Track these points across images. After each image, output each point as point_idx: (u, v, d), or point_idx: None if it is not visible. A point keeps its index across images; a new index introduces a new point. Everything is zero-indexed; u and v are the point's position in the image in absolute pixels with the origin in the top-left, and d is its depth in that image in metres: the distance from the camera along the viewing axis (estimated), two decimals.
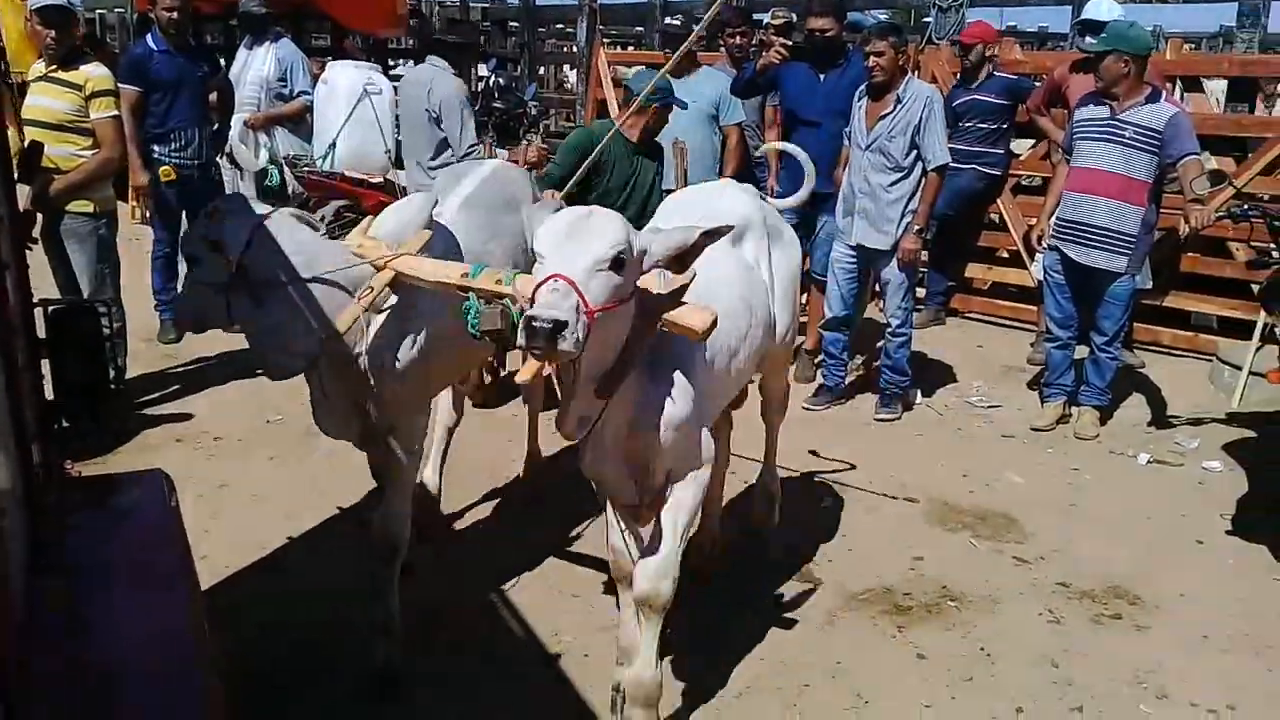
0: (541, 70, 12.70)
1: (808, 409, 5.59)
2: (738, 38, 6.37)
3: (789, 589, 3.86)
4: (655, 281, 2.53)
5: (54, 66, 4.89)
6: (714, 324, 2.52)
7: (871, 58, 5.13)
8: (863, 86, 5.28)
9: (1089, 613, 3.75)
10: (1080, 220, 5.06)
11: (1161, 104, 4.93)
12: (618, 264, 2.33)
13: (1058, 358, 5.40)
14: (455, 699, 3.19)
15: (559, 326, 2.20)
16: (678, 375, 2.68)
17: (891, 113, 5.13)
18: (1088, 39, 6.17)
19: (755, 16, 7.15)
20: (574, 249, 2.33)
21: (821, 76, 5.62)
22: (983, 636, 3.58)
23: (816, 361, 5.87)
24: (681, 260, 2.50)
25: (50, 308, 2.92)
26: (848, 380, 5.78)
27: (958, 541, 4.27)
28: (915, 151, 5.15)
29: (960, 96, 6.75)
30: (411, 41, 11.51)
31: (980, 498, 4.65)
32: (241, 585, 3.74)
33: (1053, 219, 5.28)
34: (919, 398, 5.76)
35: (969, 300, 7.39)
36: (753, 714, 3.17)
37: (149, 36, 6.05)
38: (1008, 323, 7.17)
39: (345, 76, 6.80)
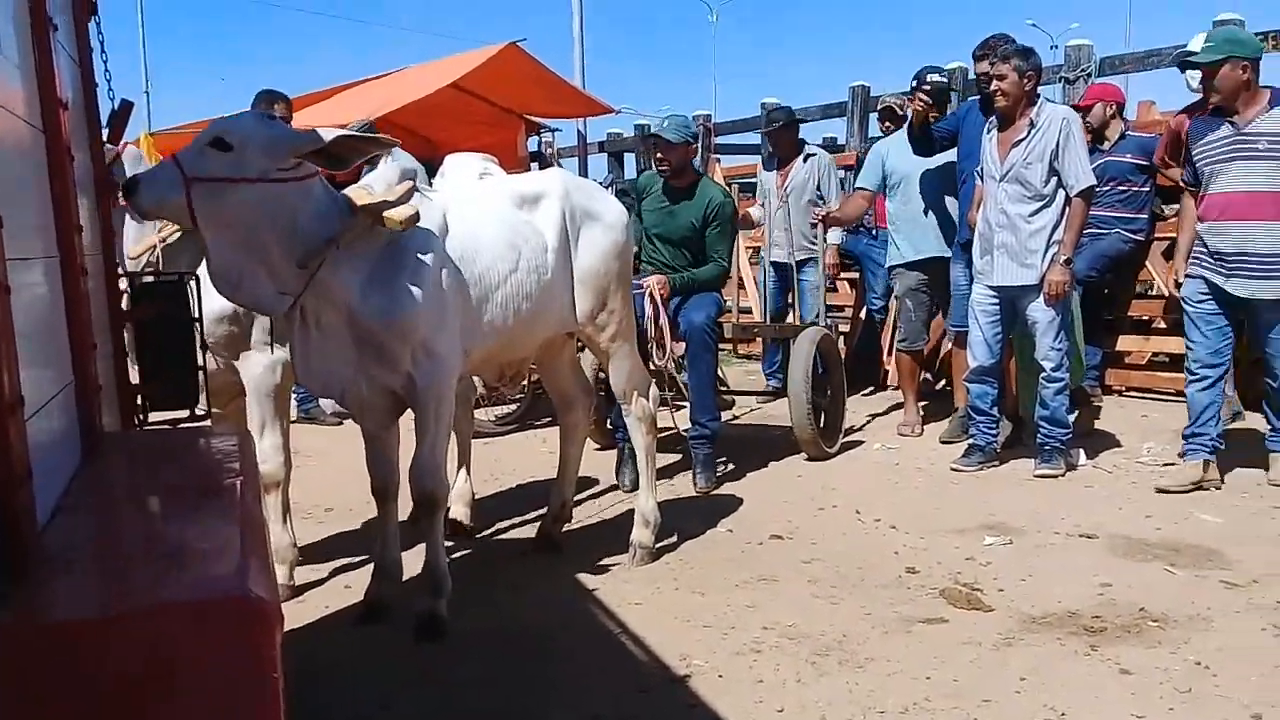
0: None
1: (957, 469, 5.06)
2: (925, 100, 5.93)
3: (949, 614, 3.32)
4: (364, 194, 2.98)
5: None
6: (414, 218, 2.95)
7: (994, 82, 4.85)
8: (991, 118, 4.98)
9: None
10: (1235, 250, 4.41)
11: None
12: (220, 144, 2.76)
13: (1202, 401, 4.58)
14: None
15: (133, 183, 2.74)
16: (413, 275, 3.01)
17: (1026, 138, 4.78)
18: (1188, 75, 5.63)
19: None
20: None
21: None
22: (1198, 652, 2.97)
23: (963, 418, 5.36)
24: (337, 160, 2.84)
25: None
26: (999, 441, 5.23)
27: (1150, 569, 3.66)
28: (1055, 178, 4.78)
29: (1092, 161, 6.32)
30: None
31: (1170, 533, 4.03)
32: None
33: (1192, 251, 4.70)
34: (1082, 458, 5.14)
35: (1127, 375, 6.76)
36: None
37: None
38: (1173, 398, 6.50)
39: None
